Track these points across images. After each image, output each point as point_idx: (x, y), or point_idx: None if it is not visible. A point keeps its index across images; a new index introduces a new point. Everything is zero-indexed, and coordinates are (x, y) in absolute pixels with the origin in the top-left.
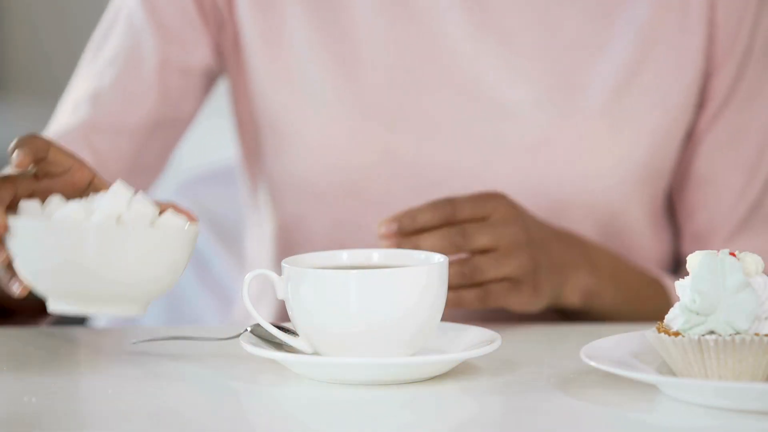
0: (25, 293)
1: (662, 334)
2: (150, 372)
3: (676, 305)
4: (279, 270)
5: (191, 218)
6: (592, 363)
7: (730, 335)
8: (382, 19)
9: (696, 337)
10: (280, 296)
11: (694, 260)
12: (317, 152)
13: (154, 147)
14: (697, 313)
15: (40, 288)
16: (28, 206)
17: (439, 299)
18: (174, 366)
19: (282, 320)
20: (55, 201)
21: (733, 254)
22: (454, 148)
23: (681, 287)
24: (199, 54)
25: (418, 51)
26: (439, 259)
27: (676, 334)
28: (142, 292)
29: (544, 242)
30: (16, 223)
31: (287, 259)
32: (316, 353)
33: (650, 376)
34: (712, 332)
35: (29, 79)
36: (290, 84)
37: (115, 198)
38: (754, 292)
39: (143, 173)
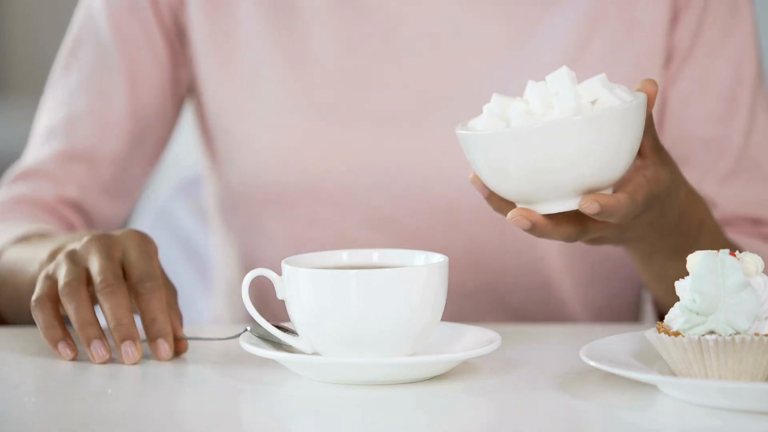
0: None
1: (662, 334)
2: (150, 372)
3: (676, 305)
4: (248, 265)
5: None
6: (592, 363)
7: (730, 335)
8: (333, 18)
9: (696, 337)
10: (280, 296)
11: (694, 260)
12: (270, 154)
13: (134, 171)
14: (697, 313)
15: (516, 193)
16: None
17: (440, 299)
18: (174, 366)
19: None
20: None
21: (733, 254)
22: (408, 144)
23: (681, 287)
24: (167, 67)
25: (370, 50)
26: (439, 259)
27: (676, 334)
28: (613, 177)
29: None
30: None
31: (287, 258)
32: (316, 353)
33: (650, 376)
34: (712, 332)
35: (29, 79)
36: (240, 86)
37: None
38: (754, 292)
39: (127, 197)
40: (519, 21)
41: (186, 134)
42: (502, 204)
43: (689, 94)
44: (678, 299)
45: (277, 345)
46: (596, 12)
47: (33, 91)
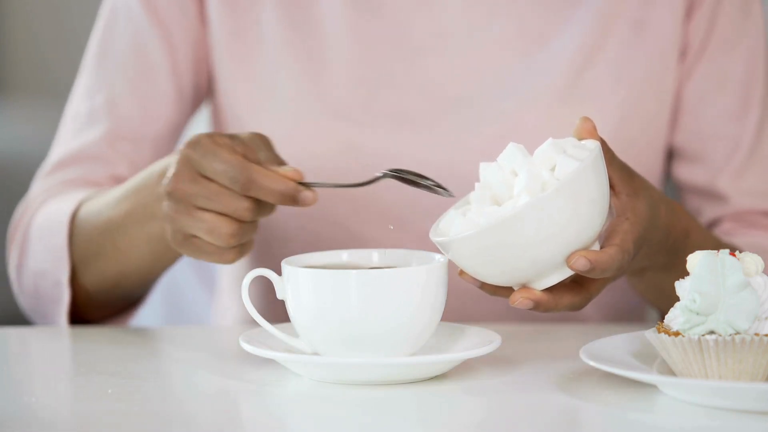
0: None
1: (662, 334)
2: (150, 372)
3: (677, 305)
4: (257, 264)
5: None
6: (592, 363)
7: (730, 335)
8: (348, 15)
9: (696, 337)
10: (280, 296)
11: (694, 260)
12: (283, 149)
13: (173, 147)
14: (697, 313)
15: (508, 278)
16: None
17: (439, 299)
18: (174, 366)
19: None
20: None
21: (733, 254)
22: (420, 141)
23: (681, 287)
24: (202, 49)
25: (385, 47)
26: (439, 260)
27: (676, 334)
28: (595, 232)
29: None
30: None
31: (287, 259)
32: (316, 353)
33: (650, 376)
34: (712, 332)
35: (29, 79)
36: (256, 83)
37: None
38: (754, 292)
39: None
40: (533, 23)
41: (199, 129)
42: (497, 289)
43: (704, 92)
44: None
45: (277, 345)
46: (609, 12)
47: (33, 91)
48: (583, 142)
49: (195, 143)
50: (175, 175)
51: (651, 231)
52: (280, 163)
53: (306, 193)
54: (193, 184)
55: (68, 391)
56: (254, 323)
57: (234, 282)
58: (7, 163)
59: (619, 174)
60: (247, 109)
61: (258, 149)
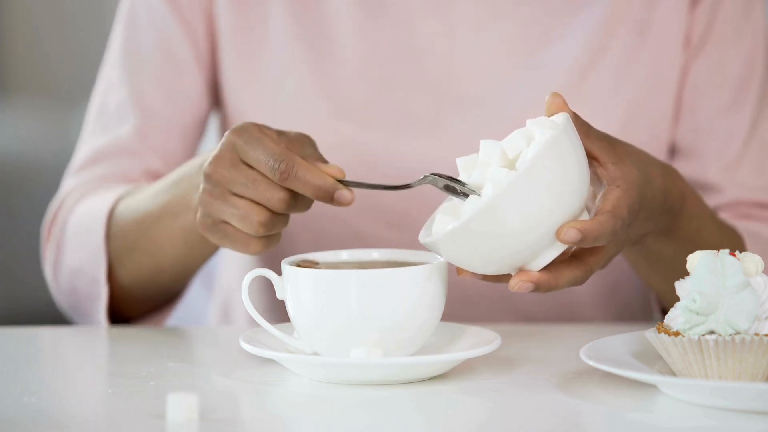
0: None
1: (662, 334)
2: (150, 372)
3: (677, 305)
4: (260, 260)
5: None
6: (592, 363)
7: (730, 335)
8: (357, 14)
9: (696, 337)
10: (280, 296)
11: (694, 260)
12: None
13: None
14: (697, 313)
15: (503, 265)
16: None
17: (439, 299)
18: (173, 366)
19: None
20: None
21: (733, 254)
22: (426, 142)
23: (681, 287)
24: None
25: (391, 47)
26: (438, 260)
27: (676, 334)
28: (579, 203)
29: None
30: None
31: (287, 259)
32: (316, 353)
33: (650, 376)
34: (712, 332)
35: (29, 79)
36: (263, 80)
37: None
38: (754, 292)
39: None
40: (538, 24)
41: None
42: (499, 278)
43: (700, 87)
44: (678, 282)
45: (277, 345)
46: (614, 14)
47: (33, 91)
48: (552, 117)
49: (242, 129)
50: (216, 157)
51: (647, 194)
52: (323, 162)
53: (343, 192)
54: (233, 169)
55: (68, 391)
56: (256, 323)
57: (242, 279)
58: (8, 163)
59: (600, 144)
60: (253, 105)
61: (303, 146)
